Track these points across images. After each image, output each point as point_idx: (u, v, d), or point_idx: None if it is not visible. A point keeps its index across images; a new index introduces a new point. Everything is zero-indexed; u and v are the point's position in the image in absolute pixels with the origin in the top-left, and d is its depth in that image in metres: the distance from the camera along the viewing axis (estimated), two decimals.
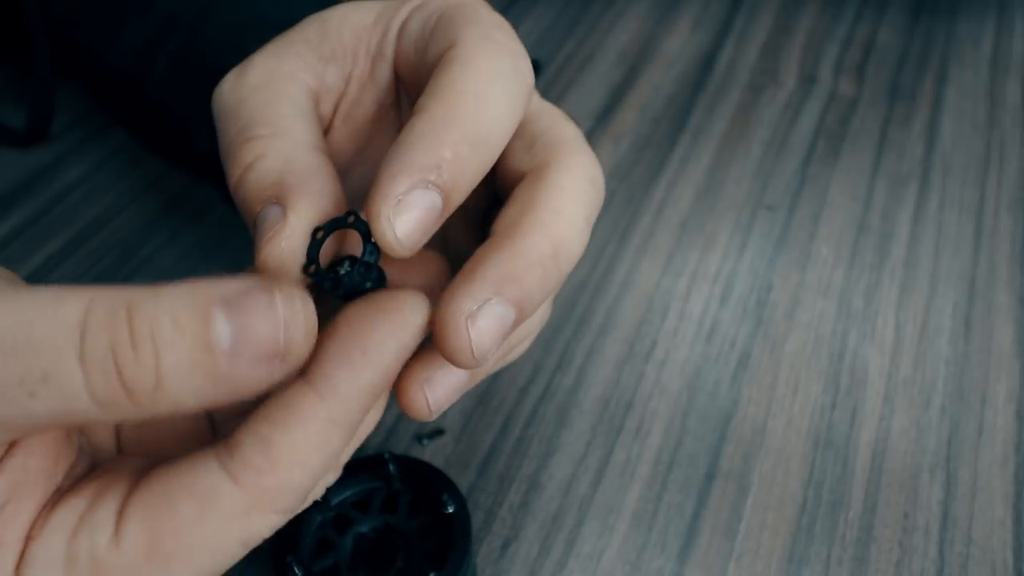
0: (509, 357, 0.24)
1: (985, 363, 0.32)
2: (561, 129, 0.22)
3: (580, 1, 0.50)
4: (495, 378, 0.32)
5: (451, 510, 0.25)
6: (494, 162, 0.20)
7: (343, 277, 0.19)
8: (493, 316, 0.19)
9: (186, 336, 0.15)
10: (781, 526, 0.28)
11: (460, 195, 0.19)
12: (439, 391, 0.21)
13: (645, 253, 0.36)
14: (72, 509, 0.17)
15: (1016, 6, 0.50)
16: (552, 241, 0.20)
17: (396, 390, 0.21)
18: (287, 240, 0.19)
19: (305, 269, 0.19)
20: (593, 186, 0.21)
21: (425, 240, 0.19)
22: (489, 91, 0.19)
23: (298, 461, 0.17)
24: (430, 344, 0.21)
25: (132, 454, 0.20)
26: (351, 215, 0.19)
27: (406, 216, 0.18)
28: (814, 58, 0.46)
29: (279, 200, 0.19)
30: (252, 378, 0.16)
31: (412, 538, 0.25)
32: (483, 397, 0.31)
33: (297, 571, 0.24)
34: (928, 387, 0.32)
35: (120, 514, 0.17)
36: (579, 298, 0.34)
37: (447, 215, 0.19)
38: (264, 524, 0.17)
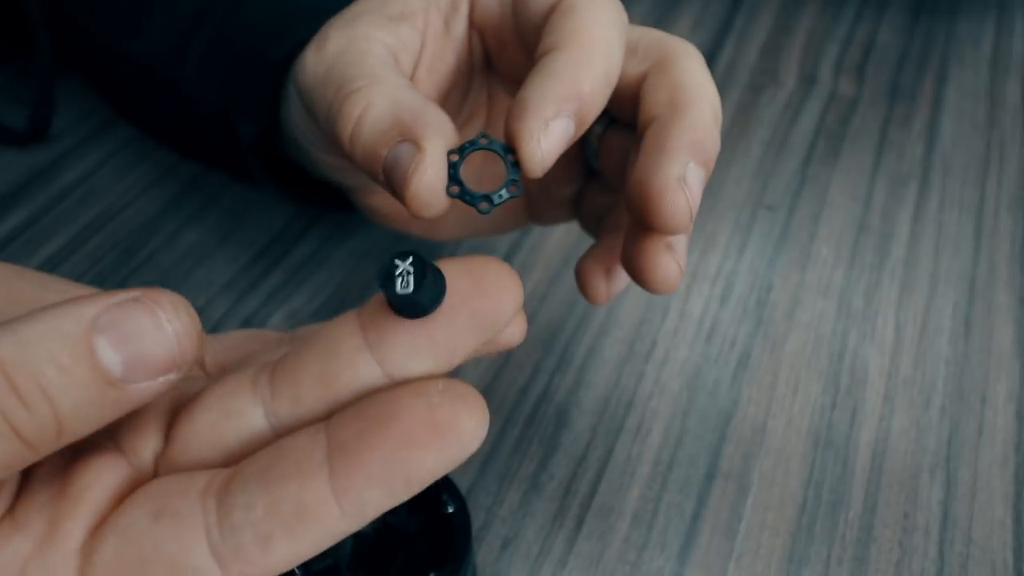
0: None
1: (985, 363, 0.32)
2: (652, 32, 0.24)
3: None
4: (495, 378, 0.32)
5: (451, 510, 0.25)
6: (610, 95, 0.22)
7: (492, 195, 0.20)
8: (695, 176, 0.21)
9: (75, 376, 0.14)
10: (781, 526, 0.28)
11: (587, 125, 0.21)
12: (620, 279, 0.26)
13: None
14: (15, 547, 0.16)
15: (1016, 6, 0.50)
16: (711, 108, 0.22)
17: (581, 283, 0.26)
18: (432, 167, 0.20)
19: (448, 190, 0.20)
20: (705, 63, 0.24)
21: (552, 163, 0.21)
22: (611, 36, 0.22)
23: (294, 559, 0.16)
24: (606, 239, 0.26)
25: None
26: (483, 136, 0.21)
27: (550, 139, 0.20)
28: (814, 58, 0.46)
29: (405, 136, 0.20)
30: (150, 392, 0.15)
31: (412, 538, 0.25)
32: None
33: (297, 571, 0.24)
34: (928, 387, 0.32)
35: (84, 558, 0.16)
36: (579, 298, 0.34)
37: (572, 143, 0.21)
38: None
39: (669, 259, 0.23)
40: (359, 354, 0.17)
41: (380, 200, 0.30)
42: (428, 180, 0.20)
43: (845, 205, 0.38)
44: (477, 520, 0.28)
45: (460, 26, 0.25)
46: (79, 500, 0.16)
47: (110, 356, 0.15)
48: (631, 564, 0.27)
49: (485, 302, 0.17)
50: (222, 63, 0.30)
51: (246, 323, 0.33)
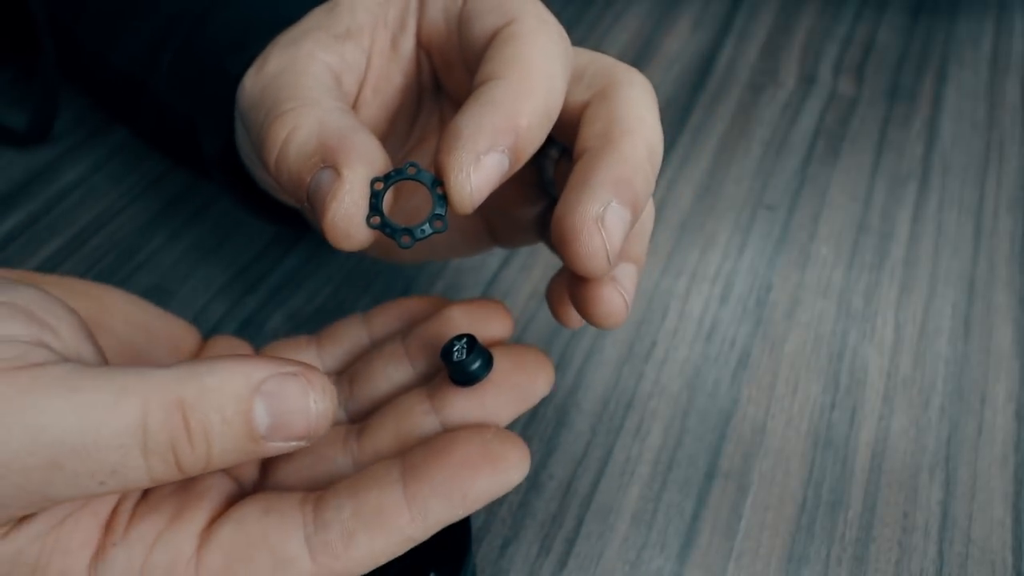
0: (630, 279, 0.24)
1: (984, 363, 0.32)
2: (602, 59, 0.23)
3: (580, 1, 0.50)
4: None
5: None
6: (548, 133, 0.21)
7: (415, 229, 0.19)
8: (617, 215, 0.20)
9: (232, 428, 0.17)
10: (781, 525, 0.28)
11: (523, 162, 0.20)
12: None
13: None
14: (151, 522, 0.19)
15: (1016, 6, 0.50)
16: (645, 143, 0.21)
17: (552, 308, 0.24)
18: (349, 195, 0.19)
19: (368, 221, 0.19)
20: (653, 95, 0.22)
21: (483, 199, 0.20)
22: (552, 67, 0.21)
23: (370, 558, 0.19)
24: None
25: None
26: (412, 166, 0.20)
27: (481, 174, 0.19)
28: (814, 58, 0.46)
29: (327, 162, 0.20)
30: (278, 451, 0.18)
31: None
32: None
33: None
34: (927, 387, 0.32)
35: (203, 538, 0.19)
36: None
37: (506, 179, 0.20)
38: None
39: (611, 292, 0.21)
40: (426, 416, 0.22)
41: None
42: (345, 209, 0.19)
43: (845, 205, 0.38)
44: (477, 520, 0.28)
45: (408, 44, 0.24)
46: (202, 495, 0.20)
47: (262, 417, 0.18)
48: (631, 564, 0.27)
49: (524, 379, 0.22)
50: (189, 75, 0.30)
51: (246, 323, 0.33)
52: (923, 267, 0.36)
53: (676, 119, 0.43)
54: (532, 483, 0.29)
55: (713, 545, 0.27)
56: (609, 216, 0.19)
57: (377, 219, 0.19)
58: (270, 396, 0.18)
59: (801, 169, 0.40)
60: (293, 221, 0.32)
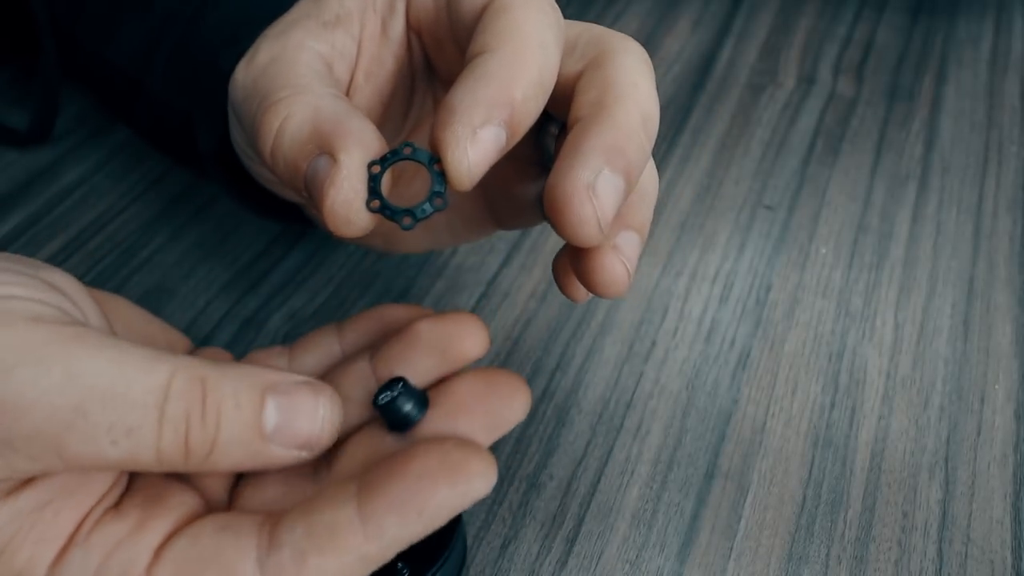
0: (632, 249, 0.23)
1: (984, 363, 0.33)
2: (594, 28, 0.22)
3: (580, 1, 0.50)
4: None
5: None
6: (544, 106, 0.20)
7: (415, 209, 0.19)
8: (609, 183, 0.19)
9: (243, 416, 0.18)
10: (780, 525, 0.28)
11: (519, 136, 0.20)
12: None
13: (644, 253, 0.36)
14: (113, 530, 0.18)
15: (1016, 6, 0.50)
16: (639, 110, 0.20)
17: (558, 281, 0.24)
18: (347, 180, 0.19)
19: (368, 205, 0.19)
20: (648, 63, 0.22)
21: (482, 175, 0.19)
22: (545, 37, 0.20)
23: None
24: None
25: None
26: (407, 146, 0.19)
27: (478, 148, 0.19)
28: (813, 58, 0.46)
29: (323, 149, 0.19)
30: (281, 458, 0.18)
31: None
32: None
33: None
34: (927, 387, 0.32)
35: (158, 553, 0.18)
36: None
37: (503, 154, 0.19)
38: None
39: (612, 260, 0.21)
40: (395, 444, 0.21)
41: None
42: (344, 195, 0.19)
43: (844, 205, 0.38)
44: (477, 520, 0.28)
45: (398, 28, 0.24)
46: (169, 509, 0.19)
47: (271, 415, 0.18)
48: (631, 563, 0.27)
49: (498, 402, 0.22)
50: (183, 72, 0.30)
51: (247, 323, 0.33)
52: (922, 267, 0.36)
53: (676, 119, 0.43)
54: (532, 483, 0.29)
55: (713, 545, 0.27)
56: (601, 184, 0.19)
57: (377, 203, 0.19)
58: (282, 395, 0.18)
59: (800, 169, 0.40)
60: (292, 217, 0.31)
